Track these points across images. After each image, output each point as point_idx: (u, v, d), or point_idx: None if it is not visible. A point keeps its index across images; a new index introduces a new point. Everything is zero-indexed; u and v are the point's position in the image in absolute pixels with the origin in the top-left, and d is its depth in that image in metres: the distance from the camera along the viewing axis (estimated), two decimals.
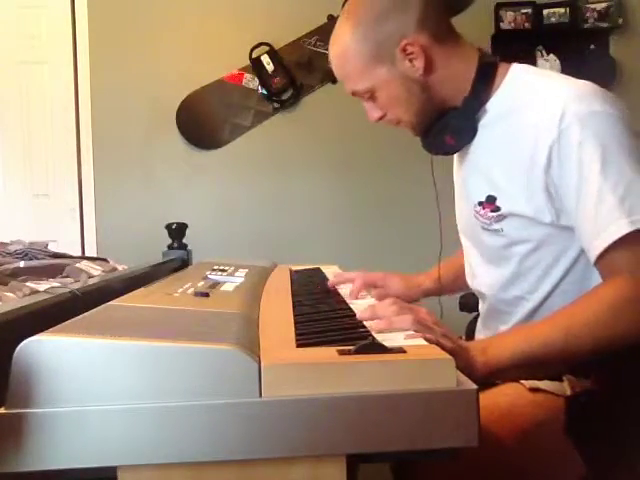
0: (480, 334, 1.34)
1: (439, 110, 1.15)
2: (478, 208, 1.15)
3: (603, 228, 0.98)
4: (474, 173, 1.18)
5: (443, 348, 0.77)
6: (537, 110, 1.06)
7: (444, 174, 1.32)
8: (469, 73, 1.13)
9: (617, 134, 1.01)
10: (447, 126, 1.14)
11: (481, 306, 1.32)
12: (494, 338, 1.06)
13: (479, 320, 1.35)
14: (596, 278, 1.04)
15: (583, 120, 1.01)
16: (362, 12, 1.12)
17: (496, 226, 1.12)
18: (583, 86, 1.07)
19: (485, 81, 1.12)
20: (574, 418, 1.05)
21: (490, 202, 1.12)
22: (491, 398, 1.04)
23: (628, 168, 0.99)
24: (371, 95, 1.16)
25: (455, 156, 1.27)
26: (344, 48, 1.14)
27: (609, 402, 1.06)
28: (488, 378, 0.98)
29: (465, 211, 1.23)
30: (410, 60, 1.10)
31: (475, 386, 0.66)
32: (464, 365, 0.88)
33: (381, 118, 1.19)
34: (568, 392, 1.06)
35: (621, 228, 0.97)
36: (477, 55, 1.14)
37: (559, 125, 1.02)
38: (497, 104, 1.13)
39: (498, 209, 1.11)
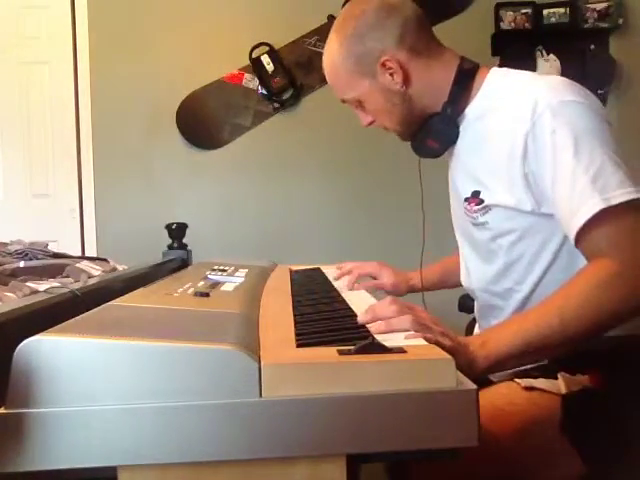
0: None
1: (421, 117, 1.22)
2: (465, 204, 1.20)
3: (577, 208, 1.01)
4: (461, 172, 1.24)
5: (443, 347, 0.77)
6: (512, 106, 1.12)
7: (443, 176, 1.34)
8: (448, 81, 1.20)
9: (587, 121, 1.05)
10: (430, 131, 1.22)
11: (475, 306, 1.34)
12: (491, 330, 1.06)
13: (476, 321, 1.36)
14: (582, 263, 1.05)
15: (554, 109, 1.05)
16: (347, 29, 1.20)
17: (482, 219, 1.17)
18: (553, 79, 1.14)
19: (463, 87, 1.20)
20: (570, 416, 1.05)
21: (475, 196, 1.17)
22: (487, 398, 1.05)
23: (599, 151, 1.02)
24: (359, 103, 1.25)
25: (449, 164, 1.32)
26: (331, 61, 1.24)
27: (605, 399, 1.07)
28: (491, 371, 0.99)
29: (457, 210, 1.28)
30: (390, 74, 1.18)
31: (475, 386, 0.66)
32: (465, 361, 0.89)
33: (371, 123, 1.28)
34: (563, 390, 1.07)
35: (594, 206, 0.99)
36: (457, 63, 1.21)
37: (532, 116, 1.07)
38: (475, 107, 1.20)
39: (482, 202, 1.16)
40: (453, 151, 1.26)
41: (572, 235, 1.02)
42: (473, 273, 1.27)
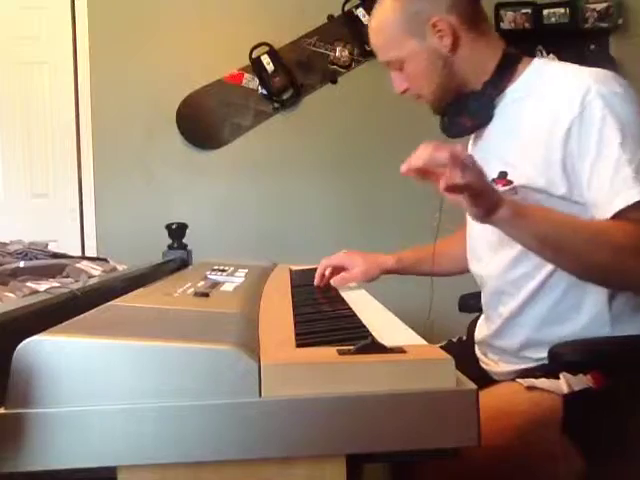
0: (482, 325, 1.35)
1: (458, 90, 1.24)
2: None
3: (617, 194, 1.03)
4: (486, 155, 1.23)
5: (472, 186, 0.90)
6: (558, 90, 1.13)
7: None
8: (493, 60, 1.22)
9: (634, 115, 1.08)
10: (465, 107, 1.24)
11: (483, 294, 1.33)
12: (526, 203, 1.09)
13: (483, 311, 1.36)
14: None
15: (606, 98, 1.08)
16: None
17: None
18: (602, 71, 1.15)
19: (507, 69, 1.22)
20: (572, 416, 1.05)
21: (502, 177, 1.18)
22: (488, 398, 1.05)
23: None
24: (400, 66, 1.25)
25: (469, 145, 1.33)
26: (383, 18, 1.25)
27: (606, 399, 1.07)
28: (507, 220, 0.99)
29: None
30: (440, 37, 1.20)
31: (475, 386, 0.67)
32: (494, 200, 0.96)
33: (405, 91, 1.29)
34: (565, 390, 1.07)
35: (634, 196, 1.02)
36: (503, 47, 1.24)
37: (582, 101, 1.08)
38: (515, 90, 1.21)
39: (510, 182, 1.16)
40: (479, 134, 1.28)
41: (604, 218, 1.04)
42: (487, 259, 1.27)
